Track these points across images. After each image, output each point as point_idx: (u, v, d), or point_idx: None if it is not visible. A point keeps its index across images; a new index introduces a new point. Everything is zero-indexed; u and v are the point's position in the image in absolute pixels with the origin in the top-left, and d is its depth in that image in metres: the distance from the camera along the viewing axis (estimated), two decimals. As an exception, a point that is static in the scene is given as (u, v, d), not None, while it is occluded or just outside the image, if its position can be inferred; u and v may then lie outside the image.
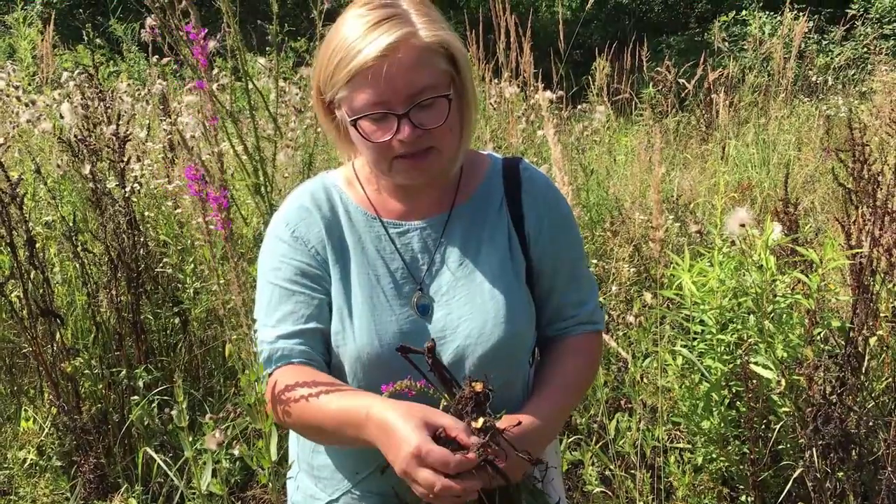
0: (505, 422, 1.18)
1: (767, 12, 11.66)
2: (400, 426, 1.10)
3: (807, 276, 2.46)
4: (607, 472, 2.63)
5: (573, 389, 1.41)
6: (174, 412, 1.30)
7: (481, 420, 1.09)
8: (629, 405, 2.70)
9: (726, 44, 10.26)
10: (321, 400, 1.22)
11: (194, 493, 2.55)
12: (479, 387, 1.10)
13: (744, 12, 11.86)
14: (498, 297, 1.34)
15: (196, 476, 1.36)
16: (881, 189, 2.61)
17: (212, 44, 3.28)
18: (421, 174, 1.29)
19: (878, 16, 11.22)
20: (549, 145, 2.59)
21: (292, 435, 1.51)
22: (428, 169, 1.29)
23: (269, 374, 1.30)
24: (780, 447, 2.53)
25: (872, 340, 2.54)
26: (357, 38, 1.20)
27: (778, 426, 2.46)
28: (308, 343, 1.31)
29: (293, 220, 1.38)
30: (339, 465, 1.40)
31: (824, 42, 10.52)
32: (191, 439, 1.48)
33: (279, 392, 1.27)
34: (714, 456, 2.59)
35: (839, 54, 9.20)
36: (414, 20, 1.22)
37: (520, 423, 1.22)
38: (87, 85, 3.83)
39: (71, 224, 3.11)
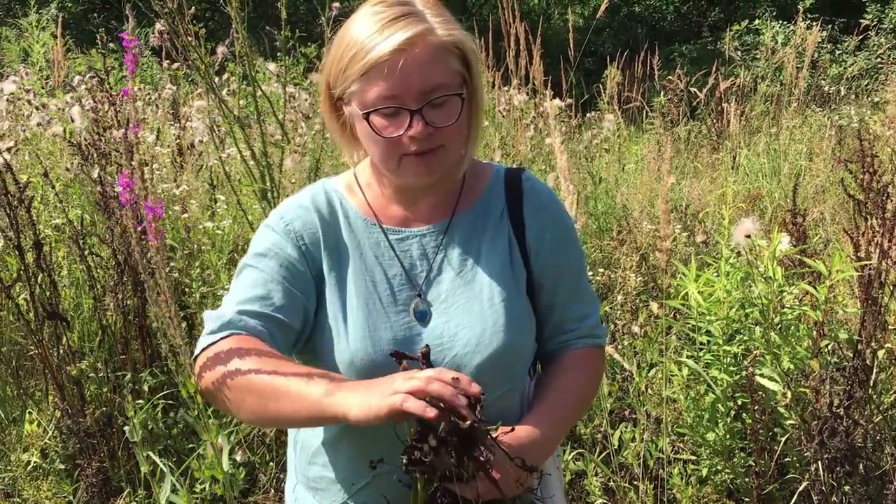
0: (499, 432, 1.17)
1: (780, 21, 11.63)
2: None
3: (814, 288, 2.44)
4: (610, 484, 2.62)
5: (574, 403, 1.39)
6: (126, 428, 1.28)
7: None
8: (633, 416, 2.68)
9: (739, 53, 10.24)
10: (272, 370, 1.16)
11: (196, 499, 2.56)
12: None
13: (757, 21, 11.83)
14: (497, 305, 1.33)
15: (156, 490, 1.36)
16: (891, 201, 2.59)
17: (221, 49, 3.30)
18: (429, 172, 1.29)
19: (891, 26, 11.16)
20: (556, 154, 2.59)
21: (290, 446, 1.50)
22: (437, 168, 1.28)
23: (214, 343, 1.24)
24: (785, 460, 2.51)
25: (881, 353, 2.52)
26: (373, 33, 1.21)
27: (784, 439, 2.44)
28: (267, 328, 1.26)
29: (289, 215, 1.37)
30: (336, 477, 1.39)
31: (837, 52, 10.48)
32: (192, 445, 1.48)
33: (221, 354, 1.22)
34: (719, 468, 2.58)
35: (852, 64, 9.16)
36: (429, 19, 1.23)
37: (513, 429, 1.20)
38: (97, 89, 3.85)
39: (79, 228, 3.12)
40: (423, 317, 1.34)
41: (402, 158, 1.27)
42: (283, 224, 1.36)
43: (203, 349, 1.26)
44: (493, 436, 1.14)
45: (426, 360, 1.13)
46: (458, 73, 1.26)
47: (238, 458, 2.70)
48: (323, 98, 1.34)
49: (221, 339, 1.25)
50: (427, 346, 1.15)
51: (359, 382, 1.14)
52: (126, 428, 1.47)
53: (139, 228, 1.24)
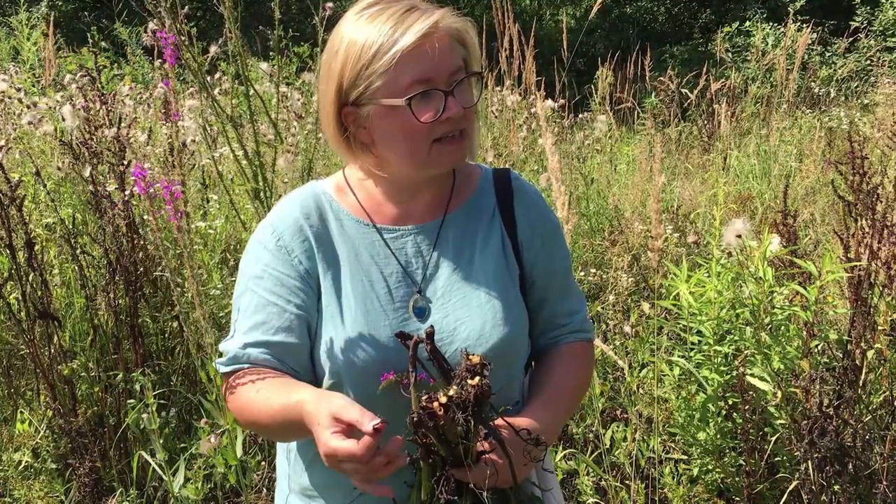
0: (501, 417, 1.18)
1: (771, 23, 11.68)
2: (315, 427, 1.13)
3: (805, 289, 2.46)
4: (602, 483, 2.62)
5: (569, 395, 1.42)
6: (144, 416, 1.32)
7: (476, 378, 1.08)
8: (625, 415, 2.70)
9: (729, 54, 10.28)
10: (263, 400, 1.26)
11: (189, 498, 2.55)
12: (476, 359, 1.09)
13: (747, 23, 11.88)
14: (495, 300, 1.35)
15: (169, 480, 1.38)
16: (880, 202, 2.61)
17: (213, 48, 3.29)
18: (459, 156, 1.33)
19: (881, 28, 11.23)
20: (547, 154, 2.59)
21: (280, 453, 1.49)
22: (463, 151, 1.33)
23: (228, 375, 1.35)
24: (776, 459, 2.53)
25: (870, 353, 2.53)
26: (393, 25, 1.24)
27: (774, 438, 2.45)
28: (272, 353, 1.32)
29: (279, 228, 1.37)
30: (335, 482, 1.37)
31: (827, 54, 10.53)
32: (183, 445, 1.49)
33: (230, 393, 1.34)
34: (710, 467, 2.59)
35: (842, 66, 9.20)
36: (434, 9, 1.28)
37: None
38: (89, 87, 3.83)
39: (70, 227, 3.11)
40: (422, 313, 1.35)
41: (432, 146, 1.29)
42: (275, 240, 1.36)
43: (224, 380, 1.39)
44: (499, 422, 1.15)
45: (430, 341, 1.13)
46: (464, 58, 1.31)
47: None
48: (329, 108, 1.32)
49: (229, 373, 1.34)
50: (432, 326, 1.15)
51: (307, 419, 1.16)
52: (145, 416, 1.50)
53: (156, 215, 1.27)
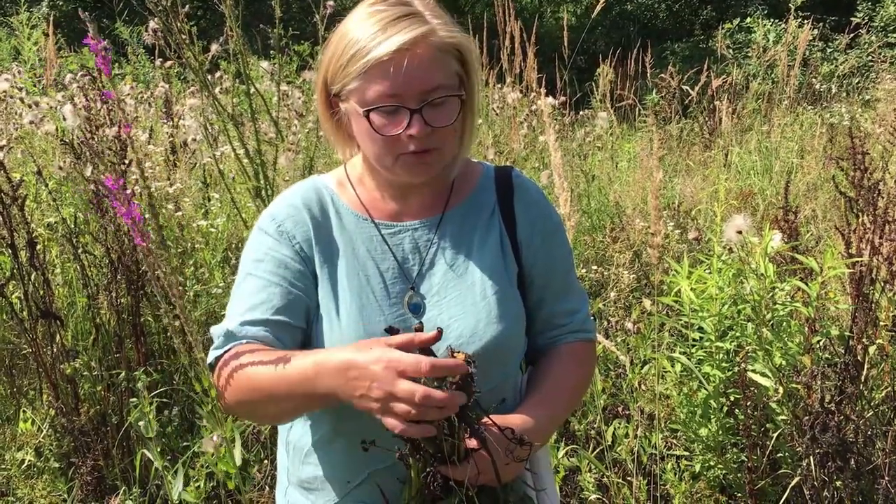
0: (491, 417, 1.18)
1: (772, 20, 11.67)
2: (362, 356, 1.09)
3: (806, 284, 2.46)
4: (604, 480, 2.63)
5: (567, 395, 1.41)
6: (141, 423, 1.30)
7: (457, 376, 1.07)
8: (627, 412, 2.70)
9: (730, 51, 10.27)
10: (268, 367, 1.20)
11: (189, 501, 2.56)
12: (461, 356, 1.09)
13: (748, 19, 11.88)
14: (490, 297, 1.35)
15: (168, 484, 1.37)
16: (882, 198, 2.61)
17: (214, 47, 3.29)
18: (425, 171, 1.31)
19: (882, 24, 11.22)
20: (550, 151, 2.60)
21: (280, 447, 1.50)
22: (432, 168, 1.31)
23: (223, 354, 1.29)
24: (777, 455, 2.53)
25: (872, 349, 2.53)
26: (375, 31, 1.23)
27: (776, 434, 2.45)
28: (272, 332, 1.29)
29: (280, 215, 1.38)
30: (330, 476, 1.38)
31: (829, 50, 10.52)
32: (186, 443, 1.48)
33: (227, 367, 1.26)
34: (712, 463, 2.59)
35: (843, 62, 9.20)
36: (430, 20, 1.25)
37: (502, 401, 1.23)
38: (90, 87, 3.83)
39: (72, 226, 3.12)
40: (417, 309, 1.35)
41: (398, 157, 1.28)
42: (275, 225, 1.37)
43: (214, 367, 1.31)
44: (486, 420, 1.15)
45: None
46: (456, 74, 1.28)
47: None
48: (318, 95, 1.36)
49: (225, 352, 1.29)
50: (421, 323, 1.16)
51: (340, 362, 1.12)
52: (140, 423, 1.49)
53: (130, 225, 1.25)
